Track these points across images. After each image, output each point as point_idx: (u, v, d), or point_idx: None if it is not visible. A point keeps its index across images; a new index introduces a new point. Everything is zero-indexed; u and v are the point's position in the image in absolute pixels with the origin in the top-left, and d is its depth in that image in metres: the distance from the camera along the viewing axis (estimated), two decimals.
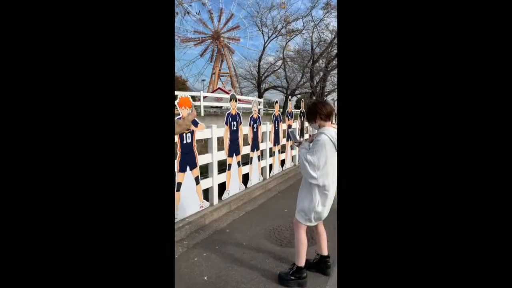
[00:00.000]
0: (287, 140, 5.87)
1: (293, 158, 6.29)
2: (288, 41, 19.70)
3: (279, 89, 21.01)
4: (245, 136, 4.44)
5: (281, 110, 6.07)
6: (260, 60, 20.16)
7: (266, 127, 5.08)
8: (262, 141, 5.12)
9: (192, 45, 43.14)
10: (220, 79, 44.08)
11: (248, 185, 4.54)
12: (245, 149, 4.42)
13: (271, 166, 5.26)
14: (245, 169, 4.50)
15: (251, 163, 4.60)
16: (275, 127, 5.33)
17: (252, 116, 4.60)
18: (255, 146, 4.66)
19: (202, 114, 10.46)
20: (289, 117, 5.79)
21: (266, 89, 20.88)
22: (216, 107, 15.21)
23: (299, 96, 20.34)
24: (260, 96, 20.04)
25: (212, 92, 24.17)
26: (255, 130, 4.63)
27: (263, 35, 20.55)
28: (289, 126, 5.75)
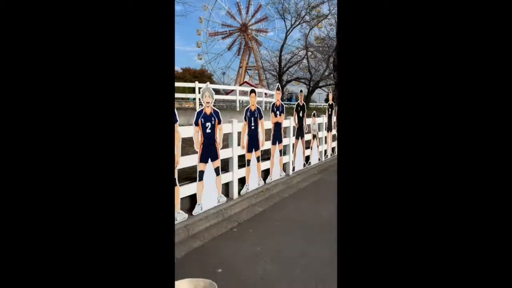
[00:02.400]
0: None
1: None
2: (312, 28, 18.78)
3: (302, 80, 20.13)
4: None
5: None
6: (281, 50, 19.43)
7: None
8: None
9: (220, 38, 43.52)
10: (247, 72, 44.16)
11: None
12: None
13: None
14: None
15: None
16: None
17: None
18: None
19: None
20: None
21: (288, 81, 20.14)
22: (224, 100, 15.00)
23: (323, 88, 19.45)
24: (282, 89, 19.58)
25: (240, 85, 24.24)
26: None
27: (285, 22, 19.79)
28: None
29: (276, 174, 4.62)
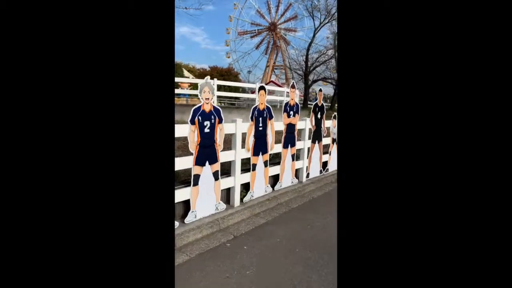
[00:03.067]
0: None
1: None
2: None
3: (329, 80, 19.27)
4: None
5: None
6: (308, 49, 18.68)
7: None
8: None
9: (249, 37, 43.64)
10: (274, 71, 43.86)
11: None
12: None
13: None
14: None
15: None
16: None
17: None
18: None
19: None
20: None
21: (314, 81, 19.32)
22: (233, 98, 14.39)
23: None
24: (306, 89, 18.70)
25: (266, 84, 23.83)
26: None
27: (313, 20, 18.98)
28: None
29: (286, 180, 4.19)
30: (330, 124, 5.13)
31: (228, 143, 3.35)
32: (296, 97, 4.15)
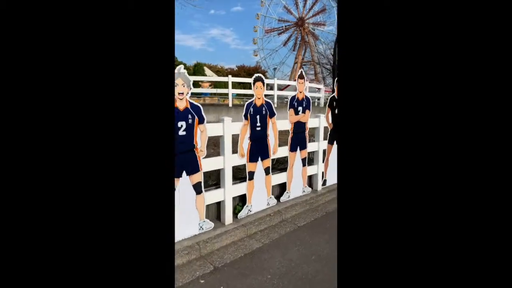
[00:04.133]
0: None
1: None
2: None
3: None
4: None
5: None
6: (336, 42, 17.55)
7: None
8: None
9: (276, 34, 43.06)
10: (302, 68, 42.74)
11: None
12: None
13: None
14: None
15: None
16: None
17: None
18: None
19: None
20: None
21: None
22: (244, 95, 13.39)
23: None
24: (334, 84, 17.52)
25: (294, 81, 22.99)
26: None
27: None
28: None
29: (296, 190, 3.50)
30: None
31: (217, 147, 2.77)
32: (305, 90, 3.44)
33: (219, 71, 35.28)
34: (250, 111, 2.83)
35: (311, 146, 3.68)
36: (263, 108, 2.93)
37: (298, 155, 3.46)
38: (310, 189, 3.73)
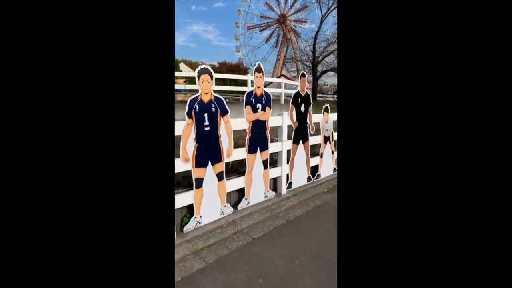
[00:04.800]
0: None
1: None
2: None
3: None
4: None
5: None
6: (315, 38, 17.30)
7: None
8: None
9: (258, 31, 42.77)
10: (285, 65, 42.66)
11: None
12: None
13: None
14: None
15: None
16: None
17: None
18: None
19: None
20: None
21: (324, 72, 17.88)
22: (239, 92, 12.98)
23: None
24: (315, 80, 17.34)
25: (277, 78, 22.64)
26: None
27: (320, 6, 17.54)
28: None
29: (256, 195, 3.17)
30: (321, 119, 4.04)
31: None
32: (262, 84, 3.10)
33: None
34: (195, 108, 2.46)
35: (273, 147, 3.35)
36: (212, 105, 2.57)
37: (259, 157, 3.12)
38: (273, 193, 3.42)
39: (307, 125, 3.75)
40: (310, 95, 3.75)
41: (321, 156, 4.14)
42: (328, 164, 4.30)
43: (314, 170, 4.10)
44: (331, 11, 17.00)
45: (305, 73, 3.58)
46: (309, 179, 3.93)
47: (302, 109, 3.65)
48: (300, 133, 3.66)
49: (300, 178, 3.78)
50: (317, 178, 4.08)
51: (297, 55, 38.36)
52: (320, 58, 17.10)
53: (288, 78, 23.61)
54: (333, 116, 4.30)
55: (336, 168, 4.51)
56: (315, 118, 3.90)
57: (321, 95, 22.75)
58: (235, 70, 34.23)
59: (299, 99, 3.60)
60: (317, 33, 17.70)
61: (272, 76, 33.70)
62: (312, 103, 3.79)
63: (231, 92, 13.49)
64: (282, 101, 9.66)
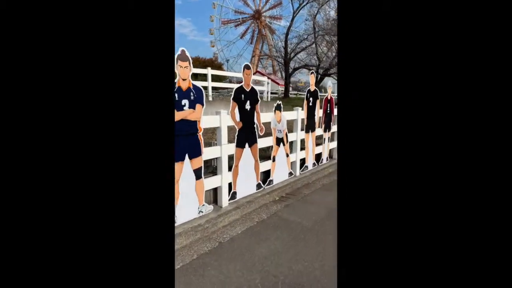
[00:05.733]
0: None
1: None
2: (321, 5, 15.92)
3: (311, 68, 17.56)
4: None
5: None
6: (287, 34, 16.93)
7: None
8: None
9: (233, 26, 42.09)
10: (260, 61, 42.30)
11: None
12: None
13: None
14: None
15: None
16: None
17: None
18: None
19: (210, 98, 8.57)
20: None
21: (296, 69, 17.57)
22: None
23: (334, 76, 16.47)
24: (287, 78, 16.96)
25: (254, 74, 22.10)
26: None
27: (292, 2, 17.17)
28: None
29: (187, 212, 2.62)
30: (271, 118, 3.56)
31: None
32: (189, 76, 2.54)
33: None
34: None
35: (210, 152, 2.82)
36: (190, 93, 1.98)
37: (188, 165, 2.57)
38: (211, 207, 2.88)
39: (255, 126, 3.25)
40: (283, 91, 3.28)
41: (274, 160, 3.66)
42: (282, 168, 3.84)
43: (266, 175, 3.62)
44: (303, 7, 16.64)
45: (249, 64, 3.06)
46: (259, 186, 3.45)
47: (247, 107, 3.14)
48: (245, 135, 3.15)
49: (247, 187, 3.28)
50: (268, 184, 3.61)
51: (272, 52, 38.12)
52: (293, 54, 16.73)
53: (263, 75, 23.21)
54: (290, 115, 3.84)
55: (292, 172, 4.07)
56: (264, 117, 3.41)
57: (295, 92, 22.49)
58: (209, 65, 33.40)
59: (243, 95, 3.09)
60: (288, 29, 17.30)
61: None
62: (260, 100, 3.29)
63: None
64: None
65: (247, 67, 3.08)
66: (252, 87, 3.15)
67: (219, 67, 36.61)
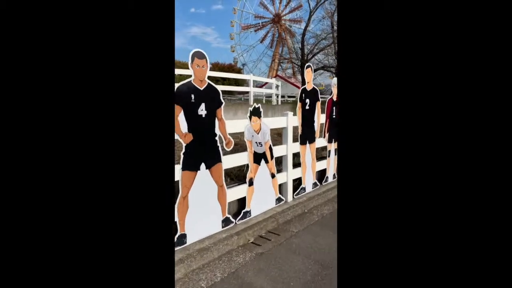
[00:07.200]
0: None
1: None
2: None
3: (330, 69, 16.29)
4: None
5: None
6: (304, 34, 15.89)
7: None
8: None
9: (253, 30, 41.72)
10: (280, 65, 41.45)
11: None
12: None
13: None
14: None
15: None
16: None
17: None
18: None
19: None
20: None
21: (314, 71, 16.42)
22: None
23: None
24: (303, 80, 15.89)
25: (273, 78, 21.25)
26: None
27: (309, 1, 16.14)
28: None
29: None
30: (246, 128, 2.59)
31: None
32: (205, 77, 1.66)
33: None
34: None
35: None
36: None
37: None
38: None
39: (216, 138, 2.30)
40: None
41: (251, 184, 2.68)
42: (264, 194, 2.84)
43: (241, 205, 2.65)
44: (321, 4, 15.51)
45: (201, 51, 2.10)
46: (226, 222, 2.48)
47: (202, 112, 2.19)
48: (198, 152, 2.20)
49: (205, 224, 2.33)
50: (243, 218, 2.63)
51: (292, 55, 37.09)
52: (310, 56, 15.66)
53: (283, 79, 22.27)
54: (273, 122, 2.85)
55: (282, 197, 3.06)
56: (234, 126, 2.45)
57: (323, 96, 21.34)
58: (228, 70, 32.93)
59: (193, 96, 2.14)
60: (305, 29, 16.25)
61: (268, 77, 32.44)
62: (222, 102, 2.35)
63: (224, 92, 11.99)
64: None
65: (197, 55, 2.12)
66: (208, 84, 2.20)
67: (238, 71, 36.19)
